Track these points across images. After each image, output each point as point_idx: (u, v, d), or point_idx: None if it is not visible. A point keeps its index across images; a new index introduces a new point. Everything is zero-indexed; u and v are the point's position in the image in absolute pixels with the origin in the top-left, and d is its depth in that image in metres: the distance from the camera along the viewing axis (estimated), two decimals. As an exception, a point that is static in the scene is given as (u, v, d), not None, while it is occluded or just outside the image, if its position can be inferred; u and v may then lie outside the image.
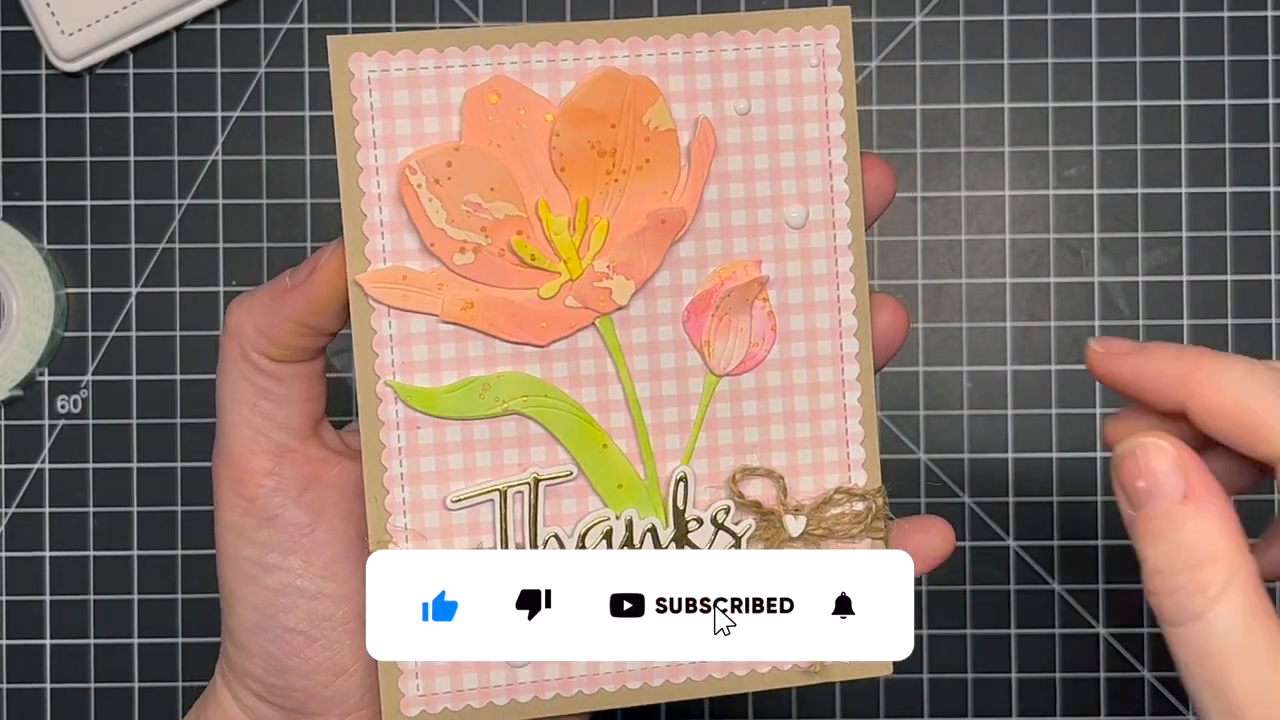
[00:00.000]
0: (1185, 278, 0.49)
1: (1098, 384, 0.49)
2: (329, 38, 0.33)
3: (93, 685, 0.49)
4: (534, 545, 0.34)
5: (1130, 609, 0.49)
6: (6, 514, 0.49)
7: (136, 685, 0.49)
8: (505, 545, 0.34)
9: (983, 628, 0.49)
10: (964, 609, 0.49)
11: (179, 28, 0.50)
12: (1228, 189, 0.49)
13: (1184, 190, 0.50)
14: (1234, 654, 0.30)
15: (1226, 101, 0.50)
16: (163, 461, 0.49)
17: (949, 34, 0.50)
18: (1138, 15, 0.50)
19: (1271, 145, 0.49)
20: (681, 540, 0.35)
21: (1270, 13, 0.50)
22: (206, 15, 0.50)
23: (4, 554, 0.49)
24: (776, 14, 0.34)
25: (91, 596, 0.49)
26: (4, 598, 0.49)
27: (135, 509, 0.49)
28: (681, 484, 0.35)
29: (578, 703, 0.35)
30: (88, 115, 0.50)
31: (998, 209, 0.50)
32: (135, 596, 0.49)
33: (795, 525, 0.35)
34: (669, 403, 0.35)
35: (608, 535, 0.35)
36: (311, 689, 0.35)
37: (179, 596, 0.49)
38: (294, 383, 0.35)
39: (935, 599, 0.49)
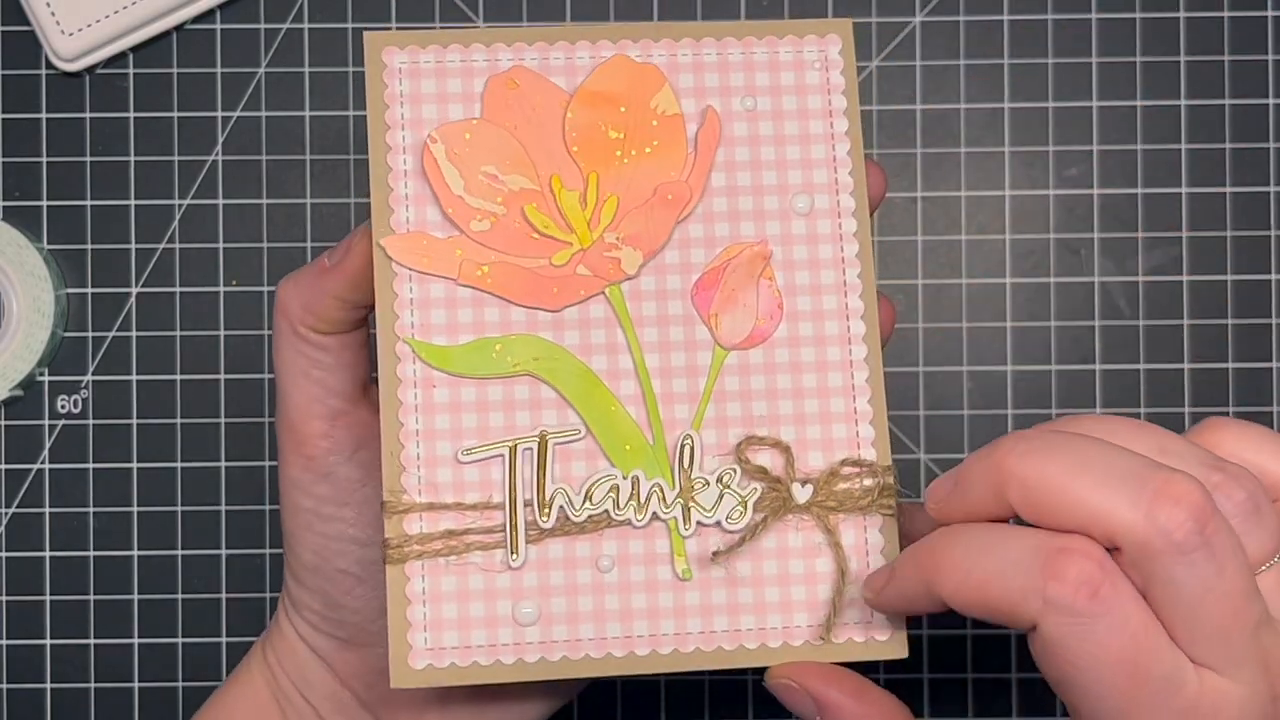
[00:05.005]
0: (1185, 278, 0.49)
1: (1098, 385, 0.49)
2: (366, 33, 0.36)
3: (93, 685, 0.49)
4: (541, 503, 0.35)
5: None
6: (6, 514, 0.49)
7: (136, 685, 0.49)
8: (513, 502, 0.35)
9: (983, 628, 0.49)
10: (964, 609, 0.49)
11: (179, 28, 0.50)
12: (1228, 189, 0.49)
13: (1184, 190, 0.50)
14: None
15: (1226, 101, 0.50)
16: (163, 461, 0.49)
17: (949, 34, 0.50)
18: (1138, 15, 0.50)
19: (1271, 145, 0.49)
20: (687, 498, 0.35)
21: (1270, 13, 0.50)
22: (206, 15, 0.50)
23: (4, 554, 0.49)
24: (782, 23, 0.37)
25: (91, 596, 0.49)
26: (4, 598, 0.49)
27: (135, 509, 0.49)
28: (687, 446, 0.36)
29: (584, 666, 0.35)
30: (88, 115, 0.50)
31: (998, 209, 0.50)
32: (135, 596, 0.49)
33: (802, 493, 0.35)
34: (677, 374, 0.36)
35: (614, 491, 0.35)
36: (361, 623, 0.39)
37: (179, 596, 0.49)
38: (341, 352, 0.38)
39: (935, 599, 0.49)
